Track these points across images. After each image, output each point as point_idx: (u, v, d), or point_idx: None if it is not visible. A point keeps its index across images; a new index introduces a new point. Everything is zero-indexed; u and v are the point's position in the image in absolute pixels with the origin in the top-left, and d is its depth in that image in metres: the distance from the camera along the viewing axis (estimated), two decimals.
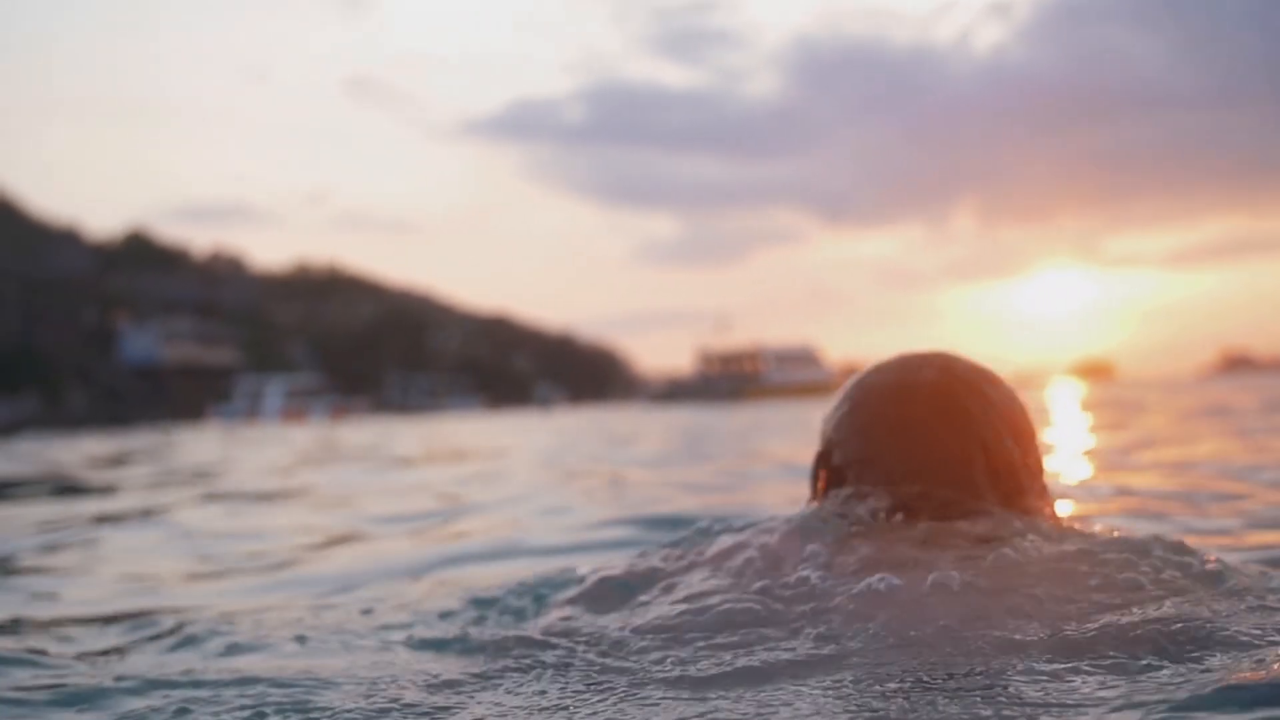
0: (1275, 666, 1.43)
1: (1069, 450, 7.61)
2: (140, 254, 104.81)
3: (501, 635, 1.95)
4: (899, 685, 1.47)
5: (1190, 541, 1.90)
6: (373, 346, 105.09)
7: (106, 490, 8.19)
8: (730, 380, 65.23)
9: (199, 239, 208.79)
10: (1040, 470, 2.06)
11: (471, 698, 1.63)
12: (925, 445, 1.94)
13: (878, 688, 1.47)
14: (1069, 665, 1.50)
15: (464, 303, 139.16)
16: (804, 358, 72.08)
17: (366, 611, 2.47)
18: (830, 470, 2.04)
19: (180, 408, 72.55)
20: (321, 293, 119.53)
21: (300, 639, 2.17)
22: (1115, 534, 1.89)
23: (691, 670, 1.61)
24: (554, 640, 1.83)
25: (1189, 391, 25.37)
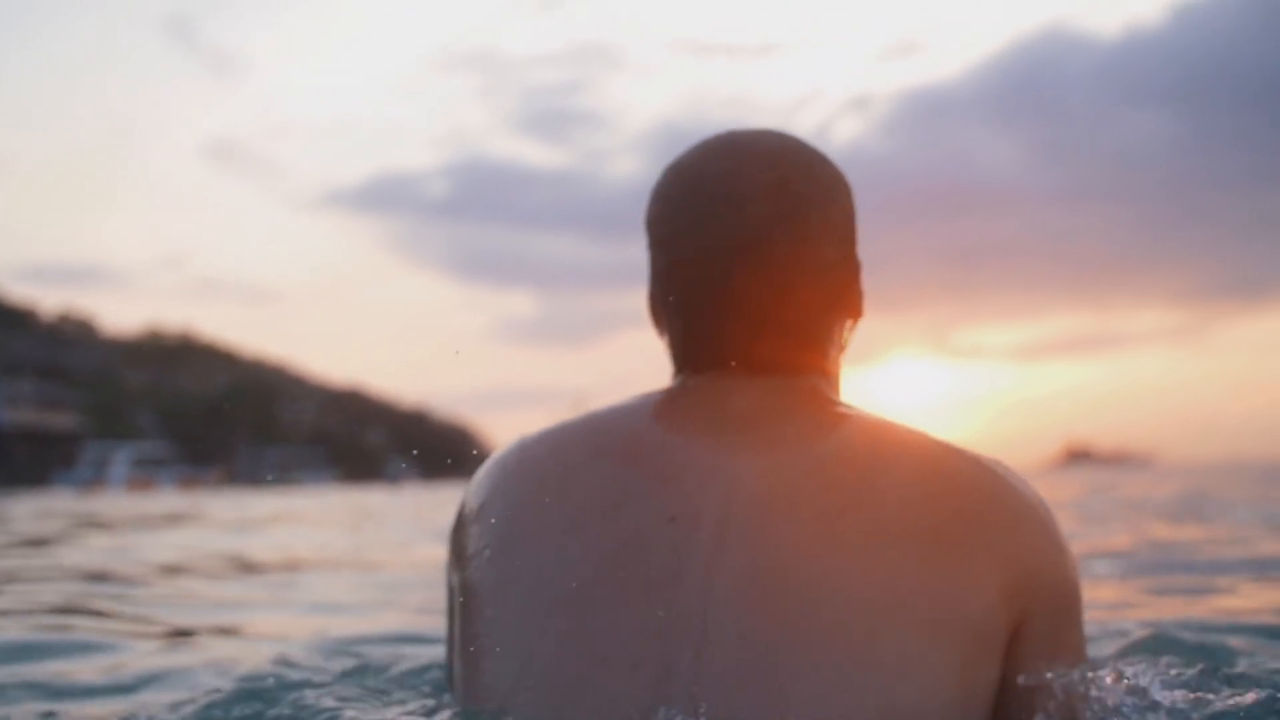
0: None
1: None
2: None
3: None
4: None
5: None
6: (224, 416, 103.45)
7: None
8: None
9: (47, 299, 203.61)
10: None
11: None
12: None
13: None
14: None
15: (319, 374, 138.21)
16: None
17: None
18: None
19: (20, 474, 70.60)
20: (173, 359, 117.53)
21: None
22: None
23: None
24: None
25: (1032, 483, 26.54)
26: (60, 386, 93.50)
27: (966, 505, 1.22)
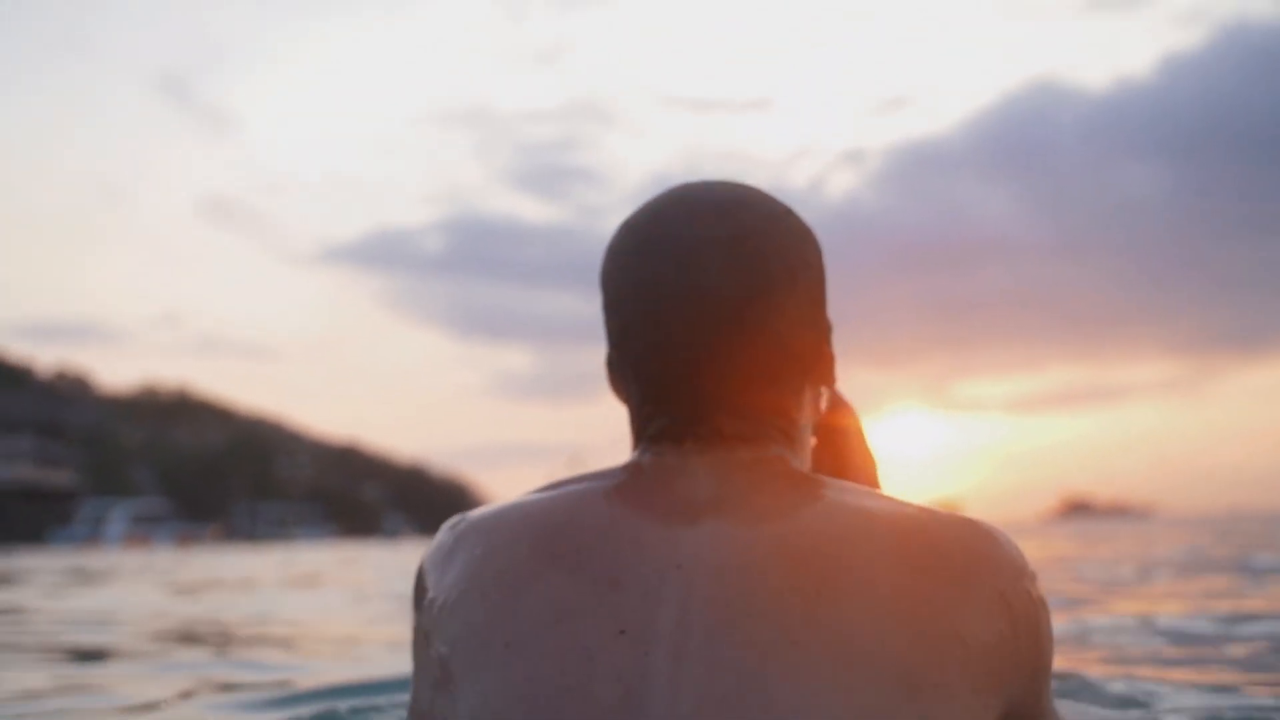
0: None
1: None
2: None
3: None
4: None
5: None
6: (221, 473, 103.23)
7: None
8: None
9: (44, 356, 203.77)
10: None
11: None
12: None
13: None
14: None
15: (315, 430, 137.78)
16: None
17: None
18: None
19: (17, 530, 70.42)
20: (170, 416, 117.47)
21: None
22: None
23: None
24: None
25: (1029, 535, 26.44)
26: (57, 443, 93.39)
27: (947, 580, 1.10)
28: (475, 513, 1.28)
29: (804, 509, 1.16)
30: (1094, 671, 2.98)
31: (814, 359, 1.31)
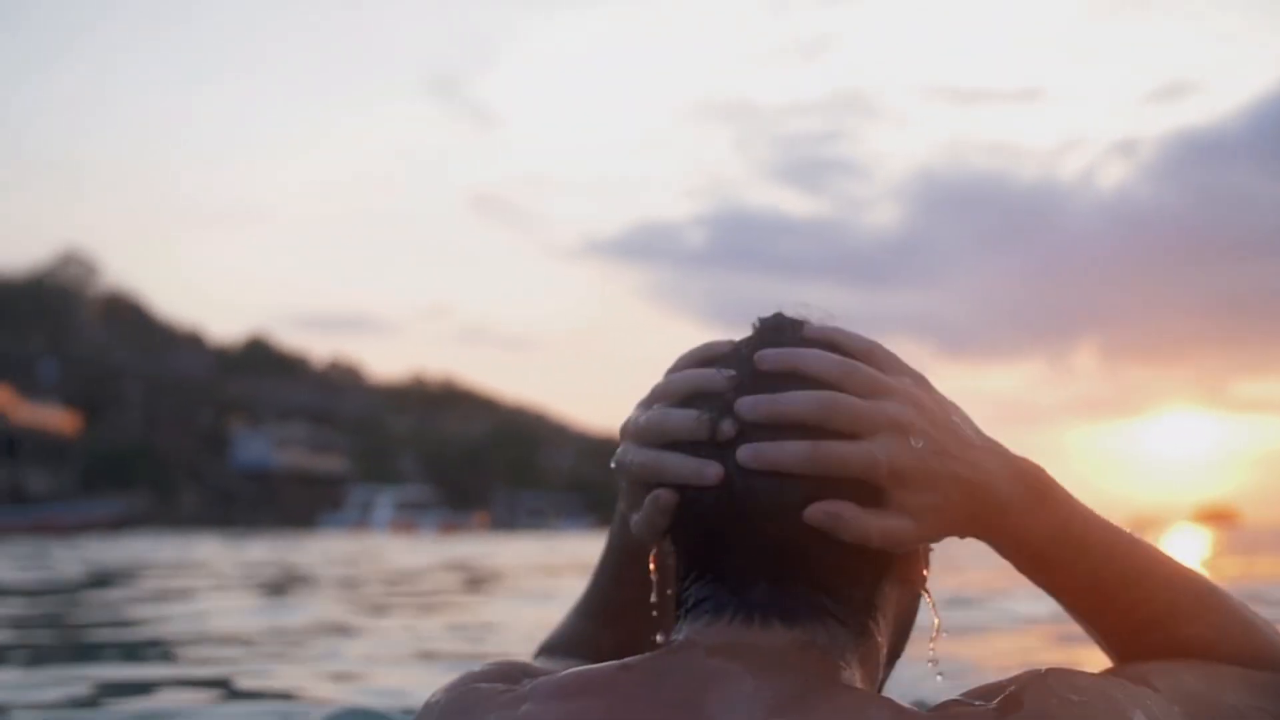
0: None
1: None
2: (260, 359, 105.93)
3: None
4: None
5: None
6: (483, 462, 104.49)
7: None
8: None
9: (318, 347, 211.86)
10: None
11: None
12: None
13: None
14: None
15: (577, 421, 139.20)
16: None
17: None
18: None
19: (289, 513, 72.15)
20: (436, 405, 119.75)
21: None
22: None
23: None
24: None
25: None
26: (328, 431, 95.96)
27: None
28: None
29: None
30: None
31: (900, 558, 1.15)
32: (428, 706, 1.14)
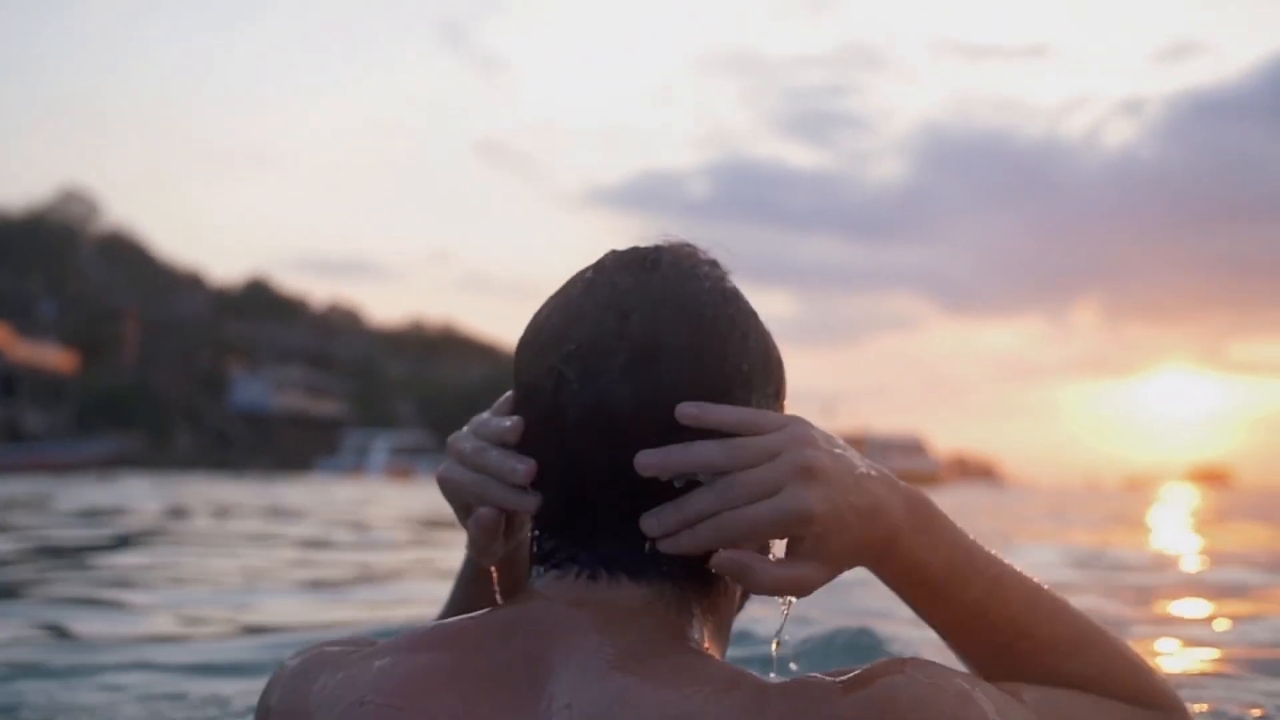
0: None
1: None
2: (259, 302, 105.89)
3: None
4: None
5: None
6: (480, 408, 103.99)
7: None
8: None
9: (318, 290, 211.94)
10: None
11: None
12: None
13: None
14: None
15: None
16: (909, 447, 71.81)
17: None
18: None
19: (286, 457, 72.41)
20: (434, 351, 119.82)
21: None
22: None
23: None
24: None
25: None
26: (325, 375, 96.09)
27: None
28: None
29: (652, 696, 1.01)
30: None
31: None
32: (277, 672, 1.15)
